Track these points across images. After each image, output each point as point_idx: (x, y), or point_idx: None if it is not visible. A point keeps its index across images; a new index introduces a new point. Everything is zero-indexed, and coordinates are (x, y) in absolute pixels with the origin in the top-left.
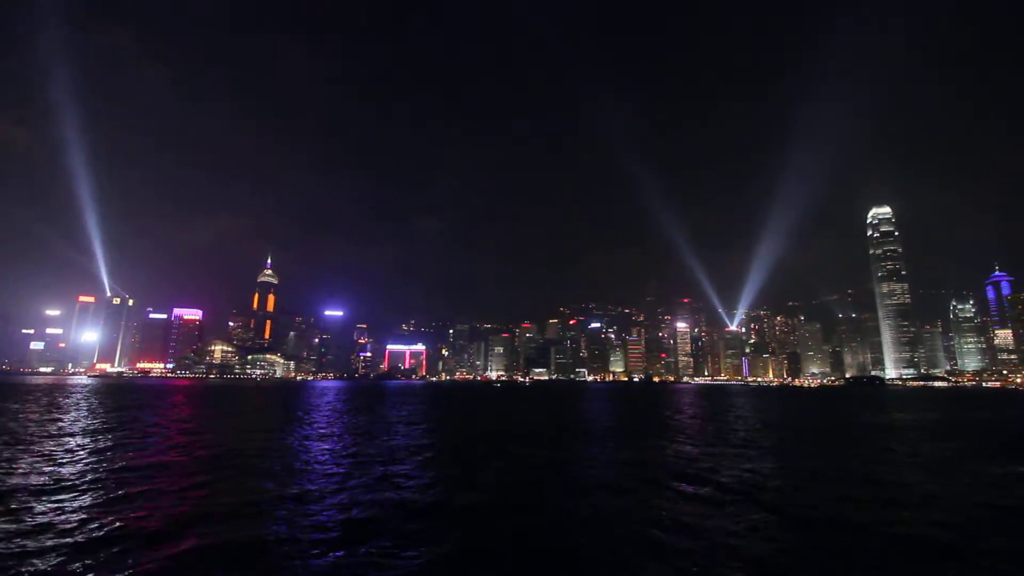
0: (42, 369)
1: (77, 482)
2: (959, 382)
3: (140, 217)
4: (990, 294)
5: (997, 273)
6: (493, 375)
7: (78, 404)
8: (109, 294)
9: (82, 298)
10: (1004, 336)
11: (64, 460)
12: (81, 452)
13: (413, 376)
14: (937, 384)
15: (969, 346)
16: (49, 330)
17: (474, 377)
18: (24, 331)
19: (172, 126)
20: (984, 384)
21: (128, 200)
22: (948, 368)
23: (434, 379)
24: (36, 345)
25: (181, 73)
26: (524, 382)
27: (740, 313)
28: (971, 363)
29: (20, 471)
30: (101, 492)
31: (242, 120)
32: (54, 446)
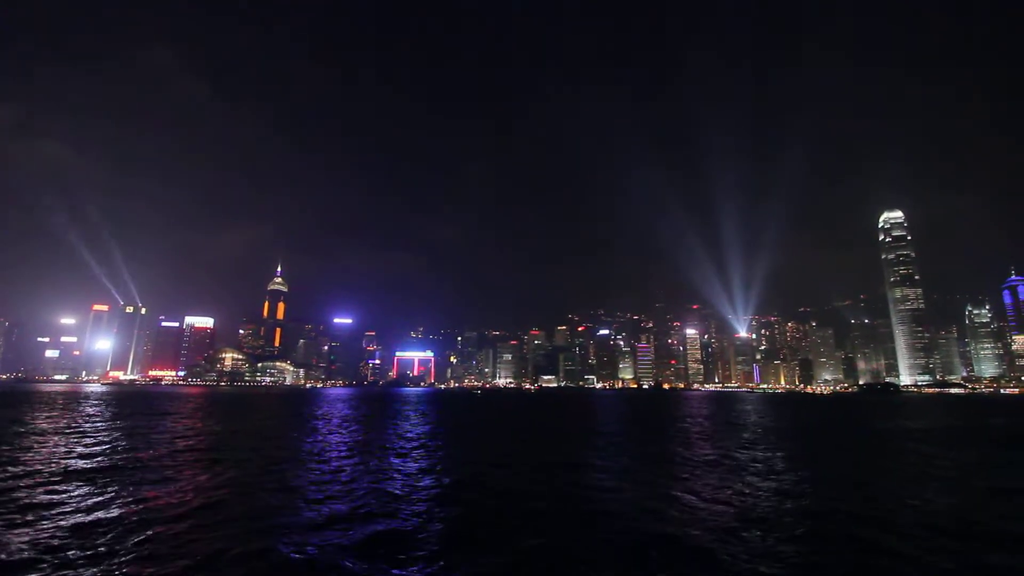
0: (56, 377)
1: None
2: (976, 389)
3: (153, 226)
4: (1007, 299)
5: (1013, 277)
6: (501, 382)
7: (93, 412)
8: (123, 303)
9: (96, 307)
10: (1022, 341)
11: (75, 466)
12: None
13: (422, 383)
14: (953, 391)
15: (986, 352)
16: (64, 338)
17: (482, 384)
18: (39, 339)
19: (187, 137)
20: (1002, 391)
21: (142, 209)
22: (964, 374)
23: (442, 386)
24: (51, 353)
25: (202, 86)
26: (531, 389)
27: (750, 319)
28: (988, 369)
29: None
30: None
31: (253, 130)
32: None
